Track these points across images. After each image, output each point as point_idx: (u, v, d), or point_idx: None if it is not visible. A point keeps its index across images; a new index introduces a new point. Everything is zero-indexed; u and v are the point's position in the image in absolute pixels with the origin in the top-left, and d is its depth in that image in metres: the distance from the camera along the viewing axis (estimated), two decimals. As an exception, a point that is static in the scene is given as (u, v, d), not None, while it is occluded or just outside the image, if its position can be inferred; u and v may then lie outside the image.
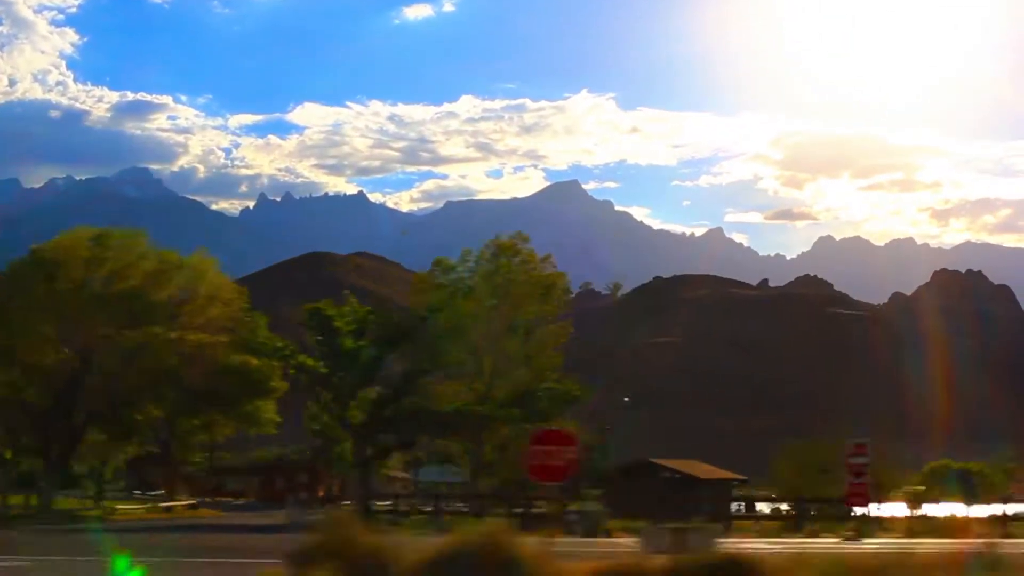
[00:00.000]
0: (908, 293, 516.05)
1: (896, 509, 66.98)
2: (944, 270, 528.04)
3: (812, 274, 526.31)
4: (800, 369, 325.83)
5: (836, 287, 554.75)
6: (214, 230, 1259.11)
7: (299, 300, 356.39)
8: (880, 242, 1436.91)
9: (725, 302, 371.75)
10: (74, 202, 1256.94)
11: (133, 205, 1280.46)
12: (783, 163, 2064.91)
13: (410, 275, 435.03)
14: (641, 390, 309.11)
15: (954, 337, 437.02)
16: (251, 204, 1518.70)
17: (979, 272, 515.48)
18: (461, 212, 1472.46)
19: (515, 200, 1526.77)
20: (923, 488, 76.63)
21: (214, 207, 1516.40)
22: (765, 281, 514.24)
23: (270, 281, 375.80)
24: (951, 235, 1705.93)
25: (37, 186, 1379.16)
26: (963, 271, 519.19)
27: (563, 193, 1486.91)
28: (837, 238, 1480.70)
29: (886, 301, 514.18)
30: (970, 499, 68.96)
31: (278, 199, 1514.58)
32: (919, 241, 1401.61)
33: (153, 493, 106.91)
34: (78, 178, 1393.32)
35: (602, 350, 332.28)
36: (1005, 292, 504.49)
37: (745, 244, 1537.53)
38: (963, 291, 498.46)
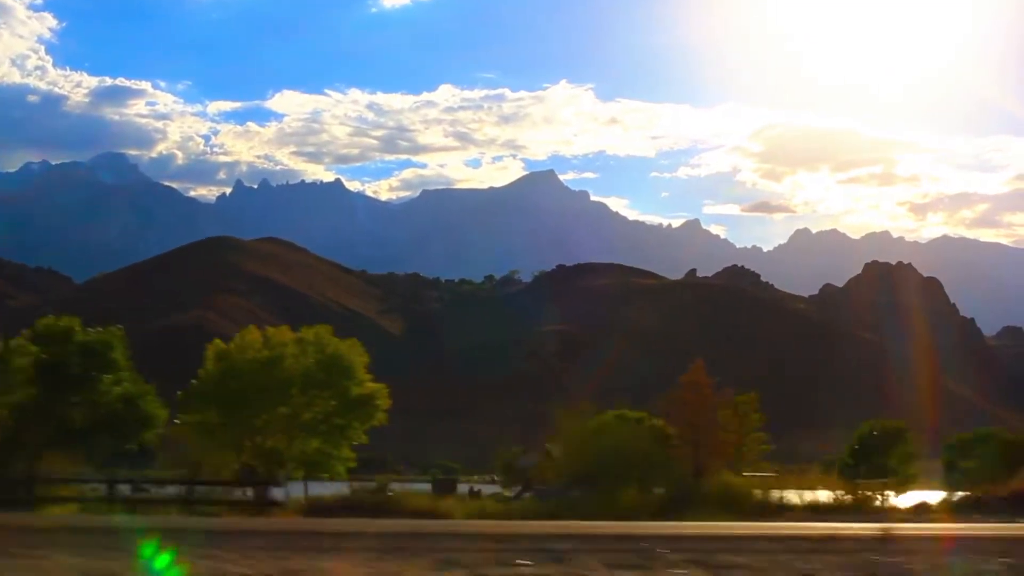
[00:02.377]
0: (840, 285, 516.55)
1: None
2: (875, 262, 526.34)
3: (741, 265, 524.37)
4: (689, 359, 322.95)
5: (777, 280, 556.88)
6: (187, 216, 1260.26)
7: (199, 287, 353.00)
8: (856, 235, 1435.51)
9: (625, 291, 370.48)
10: (48, 186, 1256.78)
11: (107, 191, 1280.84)
12: (762, 156, 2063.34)
13: (316, 260, 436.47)
14: (523, 378, 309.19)
15: (871, 328, 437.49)
16: (228, 191, 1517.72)
17: (909, 264, 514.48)
18: (437, 201, 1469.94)
19: (492, 190, 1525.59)
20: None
21: (192, 193, 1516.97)
22: (693, 271, 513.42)
23: (170, 265, 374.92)
24: (929, 229, 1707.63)
25: (12, 170, 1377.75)
26: (893, 263, 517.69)
27: (539, 183, 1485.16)
28: (814, 231, 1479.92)
29: (816, 293, 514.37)
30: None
31: (255, 186, 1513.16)
32: (895, 235, 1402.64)
33: None
34: (54, 162, 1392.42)
35: (487, 339, 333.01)
36: (933, 284, 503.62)
37: (722, 236, 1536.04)
38: (893, 284, 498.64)
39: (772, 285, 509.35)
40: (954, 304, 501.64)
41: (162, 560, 18.80)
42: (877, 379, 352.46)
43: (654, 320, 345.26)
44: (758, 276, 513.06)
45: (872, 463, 70.54)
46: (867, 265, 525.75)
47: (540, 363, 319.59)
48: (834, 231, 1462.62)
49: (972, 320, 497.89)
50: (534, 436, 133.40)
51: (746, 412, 74.27)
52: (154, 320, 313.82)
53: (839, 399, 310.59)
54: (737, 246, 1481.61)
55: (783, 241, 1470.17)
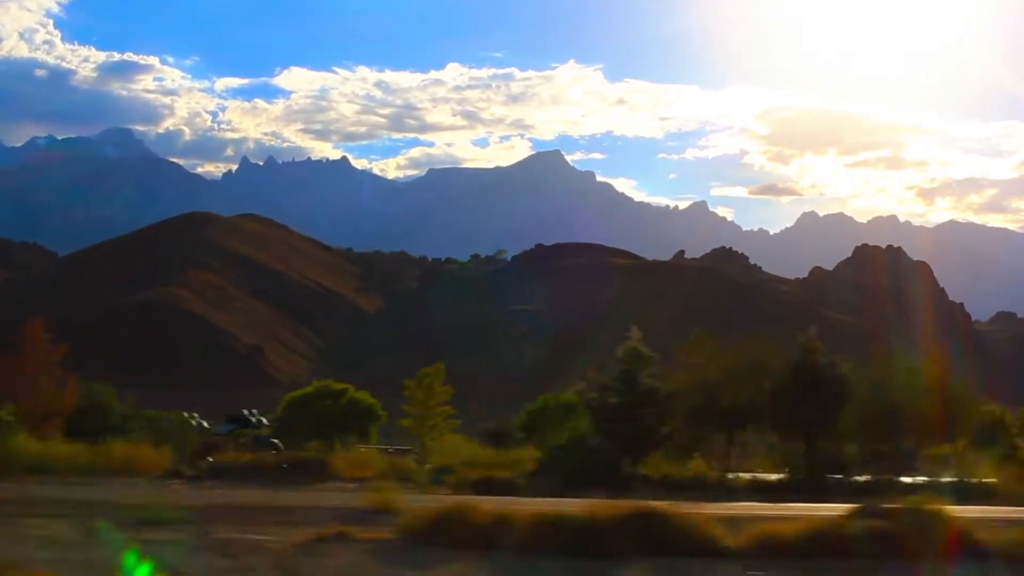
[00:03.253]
0: (830, 268, 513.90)
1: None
2: (865, 245, 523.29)
3: (728, 247, 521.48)
4: (655, 339, 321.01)
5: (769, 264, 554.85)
6: (190, 193, 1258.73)
7: (173, 262, 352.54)
8: (863, 219, 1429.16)
9: (601, 271, 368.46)
10: (52, 161, 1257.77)
11: (112, 166, 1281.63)
12: (769, 138, 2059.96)
13: (297, 238, 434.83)
14: (486, 357, 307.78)
15: (853, 312, 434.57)
16: (234, 168, 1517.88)
17: (899, 248, 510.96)
18: (443, 180, 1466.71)
19: (498, 169, 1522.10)
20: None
21: (199, 170, 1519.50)
22: (681, 252, 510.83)
23: (148, 241, 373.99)
24: (936, 214, 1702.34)
25: (17, 145, 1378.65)
26: (883, 247, 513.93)
27: (546, 163, 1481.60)
28: (821, 214, 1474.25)
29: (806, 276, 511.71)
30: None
31: (261, 163, 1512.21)
32: (902, 219, 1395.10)
33: None
34: (60, 137, 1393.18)
35: (453, 319, 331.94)
36: (924, 268, 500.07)
37: (729, 218, 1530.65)
38: (881, 267, 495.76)
39: (759, 267, 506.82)
40: (943, 288, 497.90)
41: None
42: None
43: (625, 300, 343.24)
44: (746, 258, 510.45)
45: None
46: (857, 248, 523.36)
47: (508, 342, 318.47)
48: (841, 215, 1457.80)
49: (961, 305, 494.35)
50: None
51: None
52: (123, 295, 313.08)
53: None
54: (744, 229, 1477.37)
55: (790, 224, 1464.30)
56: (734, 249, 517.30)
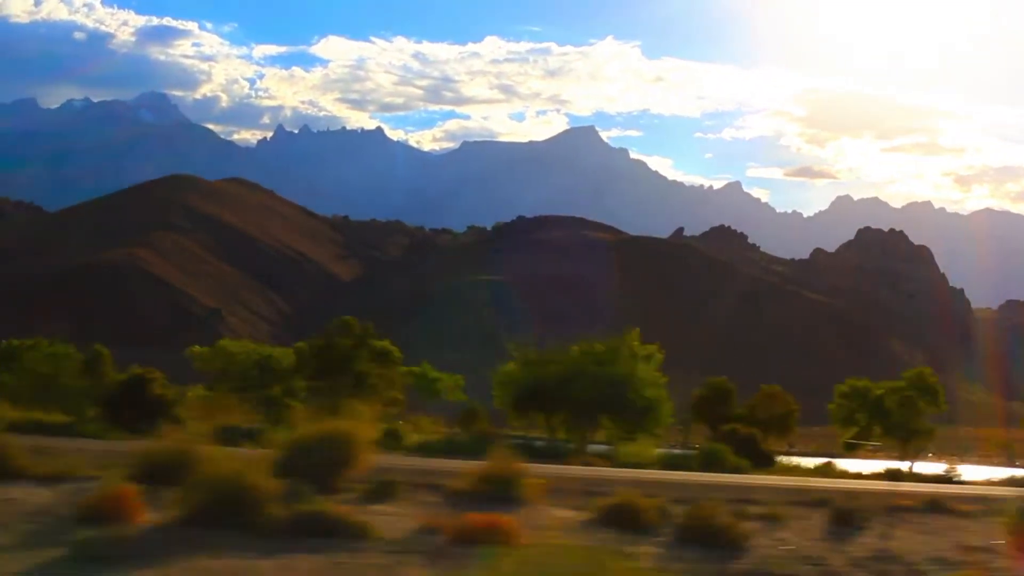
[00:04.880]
0: (831, 251, 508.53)
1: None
2: (868, 228, 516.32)
3: (727, 225, 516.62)
4: (620, 312, 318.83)
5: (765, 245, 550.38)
6: (222, 158, 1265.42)
7: (141, 223, 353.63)
8: (898, 204, 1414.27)
9: (576, 245, 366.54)
10: (87, 123, 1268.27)
11: (146, 130, 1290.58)
12: (806, 120, 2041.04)
13: (280, 203, 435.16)
14: (451, 327, 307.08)
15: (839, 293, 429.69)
16: (270, 135, 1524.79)
17: (900, 232, 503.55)
18: (477, 152, 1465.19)
19: (531, 143, 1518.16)
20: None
21: (235, 137, 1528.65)
22: (680, 230, 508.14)
23: (127, 201, 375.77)
24: (972, 201, 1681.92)
25: (54, 106, 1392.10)
26: (886, 230, 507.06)
27: (579, 138, 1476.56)
28: (855, 198, 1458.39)
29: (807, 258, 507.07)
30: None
31: (296, 131, 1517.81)
32: (936, 205, 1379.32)
33: None
34: (96, 100, 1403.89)
35: (426, 289, 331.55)
36: (924, 253, 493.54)
37: (763, 200, 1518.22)
38: (883, 250, 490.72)
39: (758, 247, 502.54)
40: (943, 273, 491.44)
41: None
42: (829, 342, 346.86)
43: (596, 274, 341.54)
44: (745, 237, 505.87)
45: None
46: (859, 231, 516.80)
47: (472, 313, 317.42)
48: (875, 199, 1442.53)
49: (961, 291, 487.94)
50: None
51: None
52: (92, 254, 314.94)
53: (771, 359, 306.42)
54: (778, 210, 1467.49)
55: (824, 207, 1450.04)
56: (732, 228, 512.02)
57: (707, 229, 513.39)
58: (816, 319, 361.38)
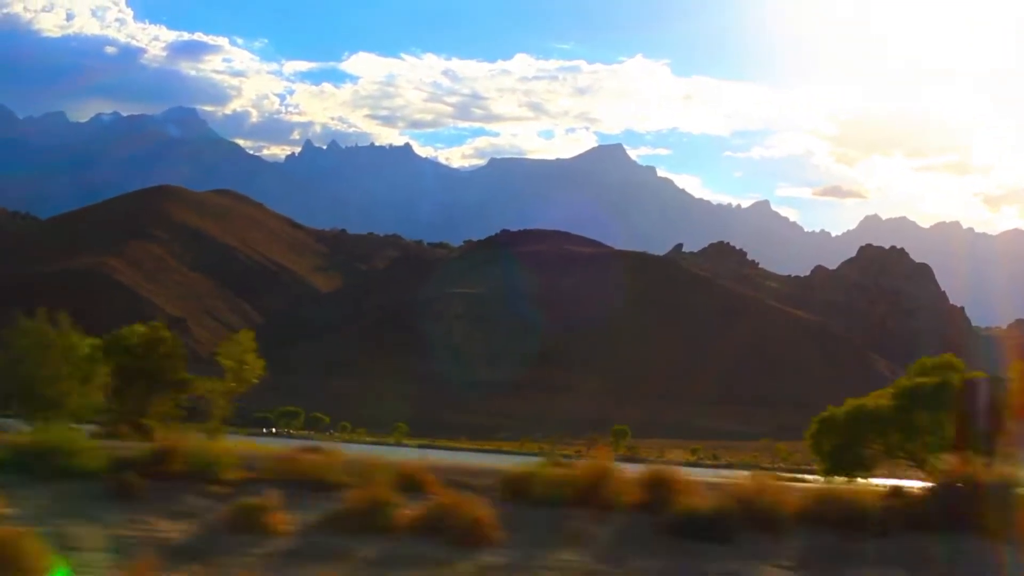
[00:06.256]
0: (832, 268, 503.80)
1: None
2: (869, 246, 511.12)
3: (726, 242, 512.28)
4: (597, 323, 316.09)
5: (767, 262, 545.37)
6: (248, 173, 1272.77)
7: (118, 233, 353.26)
8: (927, 224, 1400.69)
9: (557, 259, 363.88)
10: (114, 137, 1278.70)
11: (172, 144, 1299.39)
12: (836, 139, 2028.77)
13: (266, 215, 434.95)
14: (420, 338, 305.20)
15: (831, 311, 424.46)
16: (299, 151, 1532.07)
17: (901, 249, 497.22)
18: (504, 170, 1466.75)
19: (559, 161, 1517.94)
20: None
21: (264, 152, 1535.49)
22: (679, 246, 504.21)
23: (107, 211, 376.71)
24: (1002, 221, 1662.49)
25: (83, 120, 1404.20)
26: (887, 247, 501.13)
27: (606, 156, 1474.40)
28: (883, 217, 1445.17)
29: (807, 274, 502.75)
30: None
31: (324, 147, 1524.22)
32: (965, 225, 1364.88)
33: None
34: (124, 114, 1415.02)
35: (401, 301, 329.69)
36: (925, 271, 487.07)
37: (791, 219, 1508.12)
38: (883, 268, 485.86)
39: (756, 263, 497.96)
40: (944, 292, 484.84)
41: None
42: (808, 358, 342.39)
43: (578, 286, 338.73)
44: (744, 253, 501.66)
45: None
46: (861, 248, 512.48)
47: (442, 324, 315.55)
48: (904, 219, 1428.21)
49: (962, 309, 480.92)
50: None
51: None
52: (62, 262, 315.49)
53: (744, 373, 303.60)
54: (806, 229, 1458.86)
55: (852, 227, 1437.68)
56: (731, 244, 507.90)
57: (706, 246, 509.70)
58: (796, 335, 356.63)
